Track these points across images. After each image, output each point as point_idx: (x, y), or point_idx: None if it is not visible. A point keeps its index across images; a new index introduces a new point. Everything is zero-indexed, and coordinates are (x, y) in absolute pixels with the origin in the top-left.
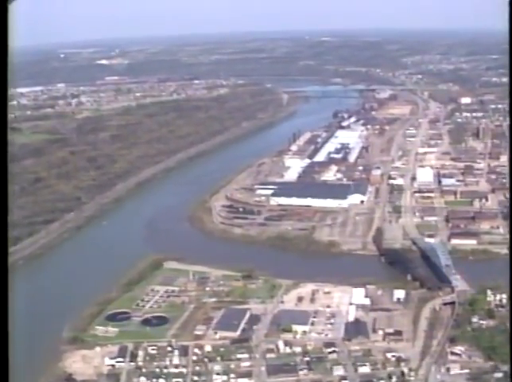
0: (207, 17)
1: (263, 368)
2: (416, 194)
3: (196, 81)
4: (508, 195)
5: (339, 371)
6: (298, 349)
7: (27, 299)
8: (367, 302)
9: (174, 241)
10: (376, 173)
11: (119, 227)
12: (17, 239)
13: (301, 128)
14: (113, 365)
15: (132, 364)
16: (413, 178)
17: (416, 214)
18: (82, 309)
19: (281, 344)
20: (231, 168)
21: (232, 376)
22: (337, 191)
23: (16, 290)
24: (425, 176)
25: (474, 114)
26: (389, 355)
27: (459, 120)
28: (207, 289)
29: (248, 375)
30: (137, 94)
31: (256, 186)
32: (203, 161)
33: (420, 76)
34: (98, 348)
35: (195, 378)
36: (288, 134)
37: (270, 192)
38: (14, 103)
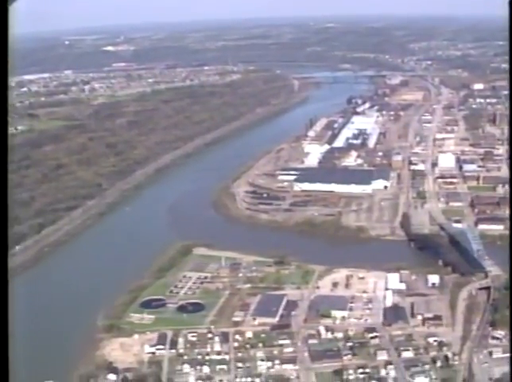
0: (208, 4)
1: (306, 354)
2: (439, 180)
3: (206, 67)
4: None
5: (382, 356)
6: (339, 335)
7: (57, 287)
8: (403, 287)
9: (200, 227)
10: (397, 158)
11: (142, 213)
12: (40, 226)
13: (315, 114)
14: (153, 353)
15: (173, 351)
16: (434, 164)
17: (441, 199)
18: (114, 296)
19: (322, 329)
20: (249, 154)
21: (276, 362)
22: (360, 176)
23: (45, 278)
24: (447, 161)
25: (487, 100)
26: (430, 340)
27: (474, 106)
28: (240, 275)
29: (292, 361)
30: (150, 80)
31: (278, 172)
32: (221, 147)
33: (429, 62)
34: (136, 336)
35: (240, 364)
36: (303, 120)
37: (293, 177)
38: (25, 89)
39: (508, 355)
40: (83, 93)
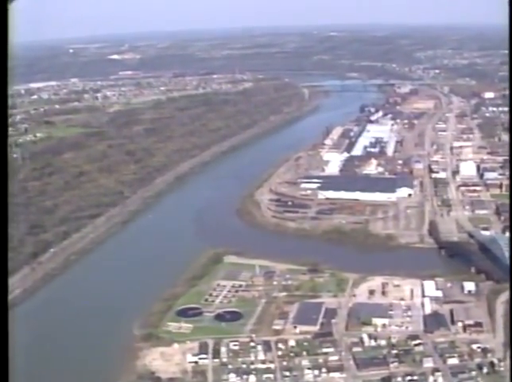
0: (210, 13)
1: (351, 362)
2: (462, 188)
3: (215, 75)
4: None
5: (428, 363)
6: (383, 342)
7: (88, 295)
8: (440, 294)
9: (227, 235)
10: (418, 166)
11: (167, 221)
12: (65, 234)
13: (328, 122)
14: (196, 362)
15: (216, 360)
16: (455, 172)
17: (466, 207)
18: (148, 305)
19: (365, 337)
20: (267, 162)
21: (323, 370)
22: (383, 184)
23: (75, 286)
24: (468, 169)
25: (500, 108)
26: (474, 346)
27: (487, 115)
28: (275, 283)
29: (338, 369)
30: (162, 88)
31: (300, 180)
32: (237, 155)
33: (437, 71)
34: (176, 345)
35: (286, 373)
36: (317, 129)
37: (315, 185)
38: (35, 97)
39: None
40: (97, 101)
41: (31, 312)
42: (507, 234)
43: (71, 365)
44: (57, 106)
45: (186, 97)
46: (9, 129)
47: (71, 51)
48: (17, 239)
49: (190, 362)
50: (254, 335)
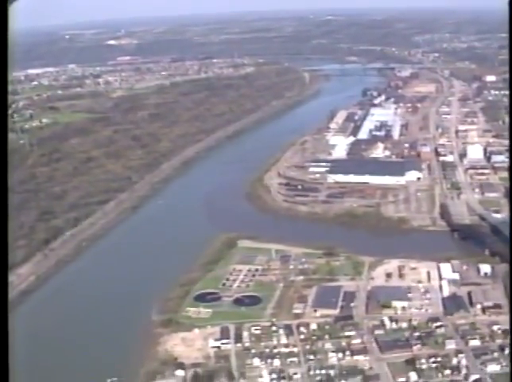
0: None
1: (374, 345)
2: (470, 171)
3: (214, 60)
4: None
5: (451, 345)
6: (404, 325)
7: (102, 281)
8: (456, 276)
9: (239, 219)
10: (426, 149)
11: (177, 206)
12: (76, 221)
13: (330, 106)
14: (218, 347)
15: (238, 345)
16: (462, 155)
17: (476, 190)
18: (165, 290)
19: (386, 320)
20: (273, 146)
21: (347, 353)
22: (392, 168)
23: (88, 273)
24: (475, 153)
25: (502, 92)
26: (494, 328)
27: (490, 98)
28: (291, 267)
29: (362, 352)
30: (164, 73)
31: (308, 164)
32: (242, 140)
33: (436, 55)
34: (196, 330)
35: (310, 357)
36: (319, 112)
37: (324, 169)
38: (35, 83)
39: None
40: (99, 86)
41: (47, 299)
42: None
43: (91, 352)
44: (60, 91)
45: (189, 82)
46: (15, 115)
47: (67, 37)
48: (28, 226)
49: (212, 347)
50: (274, 319)
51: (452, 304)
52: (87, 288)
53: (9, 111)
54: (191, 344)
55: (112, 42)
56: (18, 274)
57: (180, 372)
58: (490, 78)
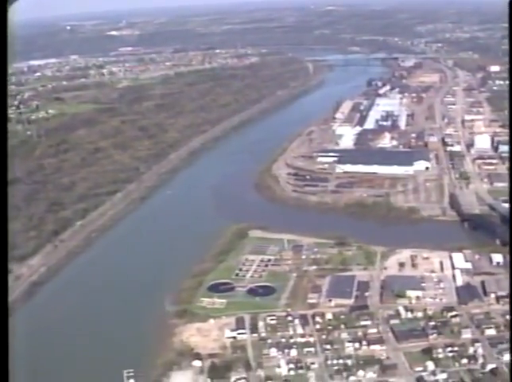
0: None
1: (390, 334)
2: (478, 161)
3: (217, 50)
4: None
5: (467, 334)
6: (419, 314)
7: (115, 272)
8: (469, 266)
9: (249, 210)
10: (433, 139)
11: (185, 197)
12: (85, 212)
13: (335, 96)
14: (234, 337)
15: (254, 335)
16: (469, 145)
17: (484, 180)
18: (178, 281)
19: (401, 309)
20: (279, 136)
21: (363, 343)
22: (400, 158)
23: (99, 264)
24: (483, 143)
25: (507, 82)
26: (509, 317)
27: (495, 88)
28: (303, 257)
29: (378, 341)
30: (168, 63)
31: (315, 154)
32: (248, 130)
33: (439, 45)
34: (211, 321)
35: (328, 346)
36: (324, 102)
37: (332, 159)
38: (39, 74)
39: None
40: (104, 77)
41: (59, 290)
42: None
43: (106, 344)
44: (65, 82)
45: (193, 72)
46: (21, 106)
47: (68, 28)
48: (37, 217)
49: (228, 337)
50: (289, 309)
51: (466, 293)
52: (98, 279)
53: (15, 102)
54: (206, 335)
55: (113, 33)
56: (29, 265)
57: (197, 363)
58: (495, 68)
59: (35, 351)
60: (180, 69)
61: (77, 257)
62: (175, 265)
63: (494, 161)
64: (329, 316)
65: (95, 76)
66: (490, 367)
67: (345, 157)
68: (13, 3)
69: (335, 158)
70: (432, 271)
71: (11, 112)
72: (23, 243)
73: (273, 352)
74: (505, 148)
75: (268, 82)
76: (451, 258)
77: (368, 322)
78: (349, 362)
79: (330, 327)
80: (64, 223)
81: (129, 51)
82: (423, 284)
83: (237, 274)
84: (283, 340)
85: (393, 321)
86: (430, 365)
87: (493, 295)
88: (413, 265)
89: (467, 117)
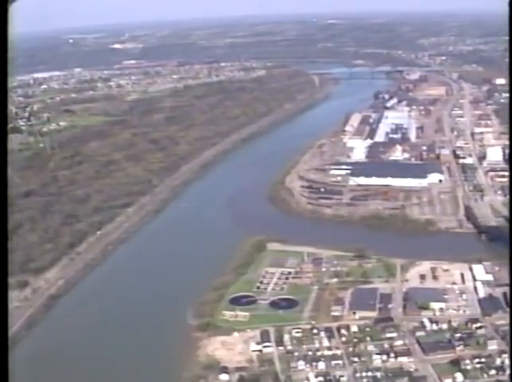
0: (205, 3)
1: (416, 346)
2: (491, 173)
3: (223, 63)
4: None
5: (493, 345)
6: (444, 326)
7: (134, 285)
8: (490, 277)
9: (265, 222)
10: (445, 152)
11: (200, 209)
12: (100, 224)
13: (342, 109)
14: (260, 350)
15: (280, 348)
16: (481, 157)
17: (498, 192)
18: (198, 294)
19: (426, 321)
20: (290, 149)
21: (391, 355)
22: (413, 170)
23: (117, 277)
24: (495, 155)
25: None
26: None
27: (502, 101)
28: (323, 270)
29: (406, 353)
30: (175, 76)
31: (328, 166)
32: (258, 143)
33: (443, 58)
34: (236, 334)
35: (355, 359)
36: (332, 115)
37: (345, 172)
38: (45, 86)
39: None
40: (112, 89)
41: (78, 303)
42: None
43: (130, 357)
44: (73, 95)
45: (202, 85)
46: (31, 118)
47: (70, 41)
48: (53, 230)
49: (254, 351)
50: (313, 322)
51: (489, 305)
52: (117, 293)
53: (26, 114)
54: (232, 348)
55: (117, 46)
56: (46, 278)
57: (224, 377)
58: (500, 81)
59: (61, 362)
60: (187, 82)
61: (94, 270)
62: (194, 278)
63: (506, 173)
64: (354, 328)
65: (103, 88)
66: None
67: (358, 169)
68: (14, 3)
69: (348, 171)
70: (454, 283)
71: (22, 124)
72: (39, 256)
73: (301, 365)
74: None
75: (275, 95)
76: (471, 270)
77: (394, 334)
78: (378, 374)
79: (356, 339)
80: (79, 235)
81: (133, 64)
82: (445, 296)
83: (258, 287)
84: (310, 353)
85: (418, 333)
86: (459, 377)
87: None
88: (434, 277)
89: (477, 130)
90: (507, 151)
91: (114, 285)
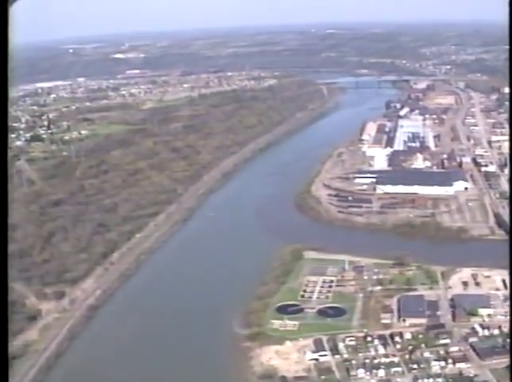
0: (204, 13)
1: (471, 352)
2: None
3: (229, 73)
4: None
5: None
6: (495, 331)
7: (174, 295)
8: None
9: (297, 231)
10: (466, 160)
11: (228, 218)
12: (130, 234)
13: (354, 118)
14: (316, 359)
15: (337, 356)
16: (502, 165)
17: None
18: (243, 303)
19: (477, 327)
20: (309, 157)
21: (449, 361)
22: (438, 178)
23: (155, 287)
24: None
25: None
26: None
27: None
28: (365, 278)
29: (463, 359)
30: (186, 85)
31: (353, 175)
32: (275, 152)
33: (448, 67)
34: (288, 343)
35: (414, 366)
36: (345, 124)
37: (370, 180)
38: (54, 95)
39: None
40: (125, 98)
41: (118, 313)
42: None
43: (183, 367)
44: (88, 103)
45: (216, 94)
46: (51, 126)
47: (71, 51)
48: (85, 239)
49: (310, 359)
50: (365, 330)
51: None
52: (157, 303)
53: (45, 123)
54: (287, 358)
55: (119, 56)
56: (83, 288)
57: None
58: (508, 89)
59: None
60: (201, 91)
61: (130, 280)
62: (235, 287)
63: None
64: (408, 335)
65: (116, 97)
66: None
67: (383, 178)
68: (14, 3)
69: (373, 179)
70: (497, 289)
71: (42, 132)
72: (74, 266)
73: (361, 373)
74: None
75: (287, 104)
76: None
77: (447, 341)
78: (439, 380)
79: (410, 346)
80: (111, 245)
81: (136, 73)
82: (491, 302)
83: (302, 296)
84: (367, 360)
85: (471, 339)
86: None
87: None
88: (477, 283)
89: (494, 138)
90: None
91: (152, 296)
